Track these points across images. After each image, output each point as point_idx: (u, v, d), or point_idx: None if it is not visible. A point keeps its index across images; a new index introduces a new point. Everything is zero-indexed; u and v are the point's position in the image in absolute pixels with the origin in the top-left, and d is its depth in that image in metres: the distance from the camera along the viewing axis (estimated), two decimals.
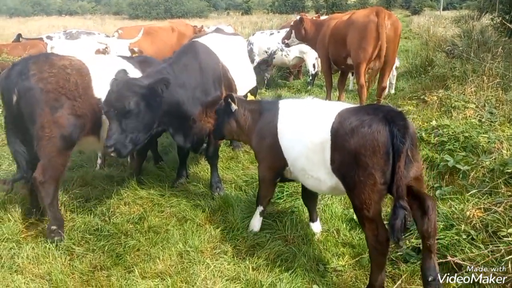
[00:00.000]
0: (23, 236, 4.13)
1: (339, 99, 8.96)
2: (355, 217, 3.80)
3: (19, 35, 13.10)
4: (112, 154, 3.89)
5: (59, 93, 4.06)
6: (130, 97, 3.83)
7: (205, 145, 4.92)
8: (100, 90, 4.35)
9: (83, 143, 4.48)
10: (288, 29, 11.61)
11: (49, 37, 13.09)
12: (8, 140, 4.25)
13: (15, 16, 46.59)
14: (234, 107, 3.86)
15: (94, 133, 4.50)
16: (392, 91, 9.87)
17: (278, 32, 11.88)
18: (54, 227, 4.03)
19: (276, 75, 12.57)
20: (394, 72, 9.66)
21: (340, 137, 3.01)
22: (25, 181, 4.30)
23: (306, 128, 3.38)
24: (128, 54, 7.42)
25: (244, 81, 5.34)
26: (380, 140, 2.81)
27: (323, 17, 10.79)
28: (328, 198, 4.60)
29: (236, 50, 5.49)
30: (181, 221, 4.40)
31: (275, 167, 3.77)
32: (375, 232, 2.96)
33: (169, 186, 5.18)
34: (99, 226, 4.22)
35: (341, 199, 4.61)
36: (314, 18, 9.63)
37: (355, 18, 7.35)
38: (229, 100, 3.85)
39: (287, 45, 9.63)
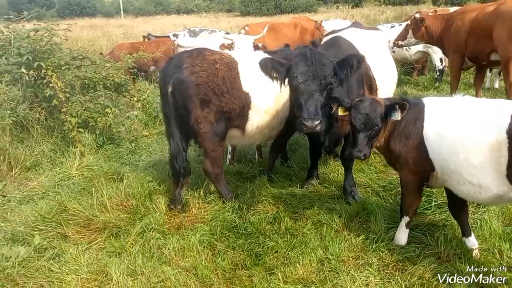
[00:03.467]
0: (167, 227, 4.33)
1: (476, 96, 8.11)
2: None
3: (150, 34, 14.13)
4: (317, 128, 3.63)
5: (208, 87, 4.25)
6: (331, 70, 3.73)
7: None
8: (248, 84, 4.50)
9: (228, 136, 4.63)
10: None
11: (175, 35, 13.96)
12: (167, 131, 4.61)
13: (140, 16, 50.97)
14: (398, 116, 3.42)
15: (240, 127, 4.61)
16: None
17: (400, 25, 11.18)
18: (227, 198, 4.69)
19: (400, 71, 11.81)
20: None
21: None
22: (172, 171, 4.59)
23: (465, 128, 3.01)
24: (252, 50, 7.55)
25: (385, 80, 4.98)
26: None
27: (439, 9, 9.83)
28: (484, 211, 4.08)
29: (377, 46, 5.15)
30: (316, 225, 4.24)
31: (420, 171, 3.42)
32: None
33: (299, 186, 5.08)
34: (237, 223, 4.26)
35: (499, 213, 4.05)
36: (431, 13, 8.81)
37: (505, 9, 6.50)
38: (397, 107, 3.40)
39: (400, 47, 9.04)
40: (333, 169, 5.49)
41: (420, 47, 10.42)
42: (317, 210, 4.47)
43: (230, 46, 7.97)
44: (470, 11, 7.52)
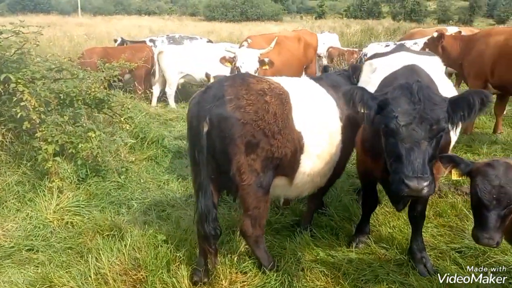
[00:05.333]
0: None
1: (496, 126, 7.57)
2: None
3: (123, 39, 12.69)
4: (424, 192, 2.72)
5: (257, 126, 3.22)
6: (444, 111, 2.82)
7: None
8: (301, 121, 3.53)
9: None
10: (407, 41, 10.39)
11: (152, 41, 12.70)
12: (195, 182, 3.45)
13: (99, 15, 48.38)
14: None
15: (288, 175, 3.62)
16: None
17: (395, 44, 10.63)
18: (269, 266, 3.65)
19: None
20: None
21: None
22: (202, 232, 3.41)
23: None
24: (257, 65, 6.55)
25: None
26: None
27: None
28: None
29: (443, 77, 4.27)
30: None
31: None
32: None
33: (350, 246, 4.09)
34: None
35: None
36: (453, 34, 8.25)
37: None
38: None
39: None
40: (383, 220, 4.54)
41: None
42: (387, 285, 3.49)
43: (232, 60, 6.94)
44: (495, 34, 6.94)
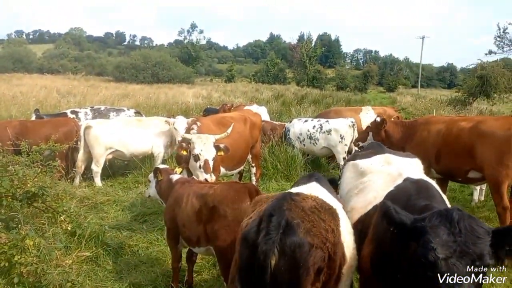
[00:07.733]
0: None
1: None
2: None
3: (37, 110, 11.53)
4: None
5: (326, 249, 2.92)
6: (488, 245, 2.60)
7: None
8: (344, 234, 3.25)
9: None
10: (321, 119, 11.08)
11: (74, 112, 11.73)
12: None
13: None
14: None
15: None
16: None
17: (312, 120, 11.58)
18: None
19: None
20: None
21: None
22: None
23: None
24: (215, 151, 6.39)
25: None
26: None
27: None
28: None
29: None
30: None
31: None
32: None
33: None
34: None
35: None
36: (393, 119, 8.86)
37: (488, 129, 6.43)
38: None
39: (361, 148, 8.90)
40: None
41: (324, 143, 10.66)
42: None
43: (188, 147, 6.53)
44: (435, 122, 7.37)
